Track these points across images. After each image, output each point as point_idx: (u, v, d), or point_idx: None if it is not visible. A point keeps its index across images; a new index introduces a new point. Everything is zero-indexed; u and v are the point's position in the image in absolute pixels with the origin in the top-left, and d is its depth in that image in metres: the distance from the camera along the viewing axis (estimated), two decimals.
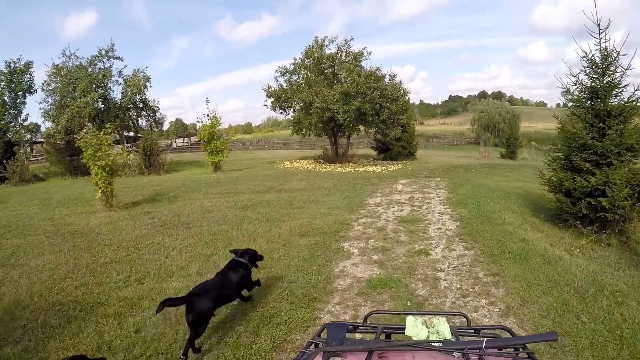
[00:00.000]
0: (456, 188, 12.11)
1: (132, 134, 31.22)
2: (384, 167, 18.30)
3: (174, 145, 55.92)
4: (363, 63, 19.80)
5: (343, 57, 20.02)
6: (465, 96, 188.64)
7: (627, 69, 7.59)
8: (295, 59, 20.98)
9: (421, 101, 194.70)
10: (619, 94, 7.73)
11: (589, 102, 8.05)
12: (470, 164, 21.34)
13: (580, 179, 7.68)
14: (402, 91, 19.42)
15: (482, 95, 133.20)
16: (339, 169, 18.03)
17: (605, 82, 7.79)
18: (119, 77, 25.69)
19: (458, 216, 8.59)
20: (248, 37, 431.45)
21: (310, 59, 20.04)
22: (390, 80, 19.76)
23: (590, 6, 7.83)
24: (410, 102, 24.71)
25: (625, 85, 7.72)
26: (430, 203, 10.07)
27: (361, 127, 20.84)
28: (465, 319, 1.66)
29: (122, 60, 25.35)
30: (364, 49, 19.99)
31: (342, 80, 19.35)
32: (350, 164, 19.91)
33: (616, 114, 7.60)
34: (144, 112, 27.15)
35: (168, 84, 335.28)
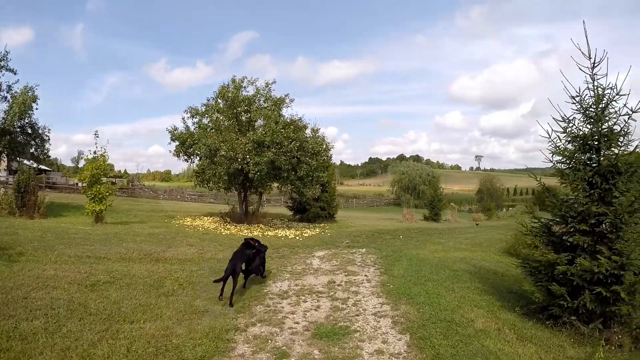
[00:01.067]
0: (390, 266, 9.19)
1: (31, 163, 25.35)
2: (298, 232, 15.16)
3: (80, 185, 48.91)
4: (284, 112, 17.06)
5: (262, 101, 17.17)
6: (384, 159, 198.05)
7: (634, 112, 5.38)
8: (208, 100, 17.79)
9: (342, 162, 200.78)
10: (629, 143, 5.46)
11: (584, 156, 5.71)
12: (396, 229, 18.98)
13: (585, 261, 5.11)
14: (324, 146, 16.86)
15: (401, 158, 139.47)
16: (245, 231, 14.58)
17: (603, 129, 5.52)
18: (7, 92, 20.06)
19: (404, 321, 5.49)
20: (180, 82, 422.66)
21: (224, 100, 16.88)
22: (312, 133, 17.22)
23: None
24: (332, 161, 22.22)
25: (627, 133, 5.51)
26: (359, 293, 6.93)
27: (275, 184, 17.66)
28: None
29: (15, 73, 19.77)
30: (286, 96, 17.38)
31: (258, 128, 16.46)
32: (261, 225, 16.55)
33: (625, 170, 5.25)
34: (32, 141, 21.34)
35: (92, 120, 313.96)
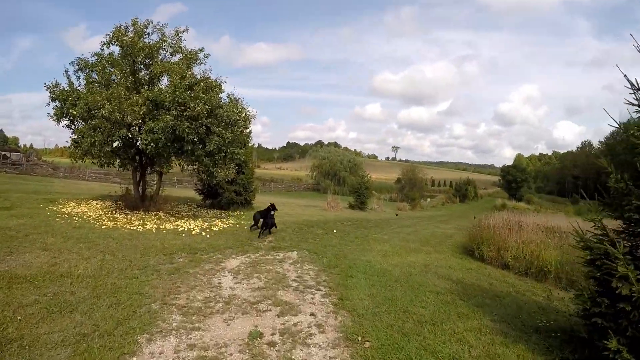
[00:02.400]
0: (343, 287, 6.10)
1: None
2: (207, 224, 11.42)
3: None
4: (196, 70, 12.74)
5: (168, 54, 12.74)
6: (302, 144, 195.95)
7: None
8: (101, 49, 12.70)
9: (260, 144, 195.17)
10: None
11: None
12: (325, 220, 16.02)
13: None
14: (244, 114, 13.15)
15: (320, 144, 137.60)
16: (136, 223, 10.56)
17: None
18: None
19: None
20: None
21: (119, 46, 12.09)
22: (229, 98, 13.30)
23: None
24: (252, 138, 18.37)
25: None
26: None
27: (177, 162, 13.46)
28: None
29: None
30: (200, 50, 13.13)
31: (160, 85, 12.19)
32: (160, 213, 12.52)
33: None
34: None
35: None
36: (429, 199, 50.16)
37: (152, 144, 10.58)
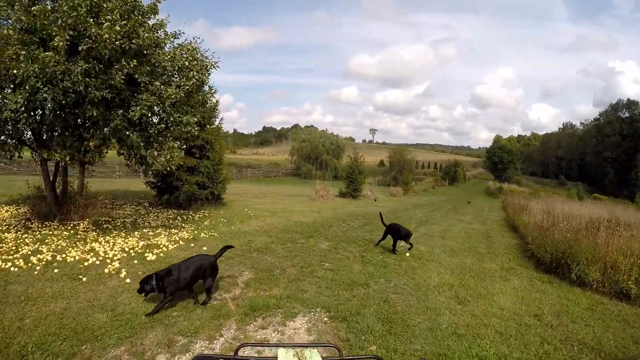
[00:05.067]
0: None
1: None
2: (143, 244, 6.88)
3: None
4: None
5: None
6: (279, 128, 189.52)
7: None
8: None
9: (235, 130, 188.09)
10: None
11: None
12: (324, 220, 11.71)
13: None
14: (196, 62, 7.86)
15: (296, 128, 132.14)
16: (26, 248, 5.98)
17: None
18: None
19: None
20: None
21: None
22: (171, 39, 8.04)
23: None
24: (225, 130, 13.52)
25: None
26: None
27: (89, 144, 8.53)
28: (337, 350, 1.49)
29: None
30: None
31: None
32: (84, 223, 7.95)
33: None
34: None
35: None
36: (415, 182, 46.34)
37: (22, 108, 5.90)
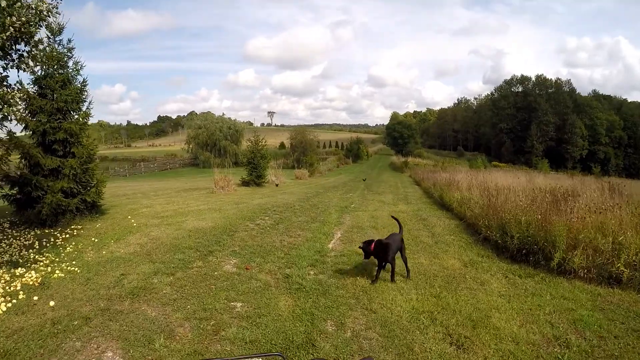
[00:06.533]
0: None
1: None
2: None
3: None
4: None
5: None
6: (174, 117, 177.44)
7: None
8: None
9: (129, 122, 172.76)
10: None
11: None
12: (227, 221, 9.12)
13: None
14: (19, 3, 4.82)
15: (193, 115, 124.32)
16: None
17: None
18: None
19: None
20: None
21: None
22: None
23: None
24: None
25: None
26: None
27: None
28: (282, 359, 1.37)
29: None
30: None
31: None
32: None
33: None
34: None
35: None
36: (319, 162, 45.27)
37: None
